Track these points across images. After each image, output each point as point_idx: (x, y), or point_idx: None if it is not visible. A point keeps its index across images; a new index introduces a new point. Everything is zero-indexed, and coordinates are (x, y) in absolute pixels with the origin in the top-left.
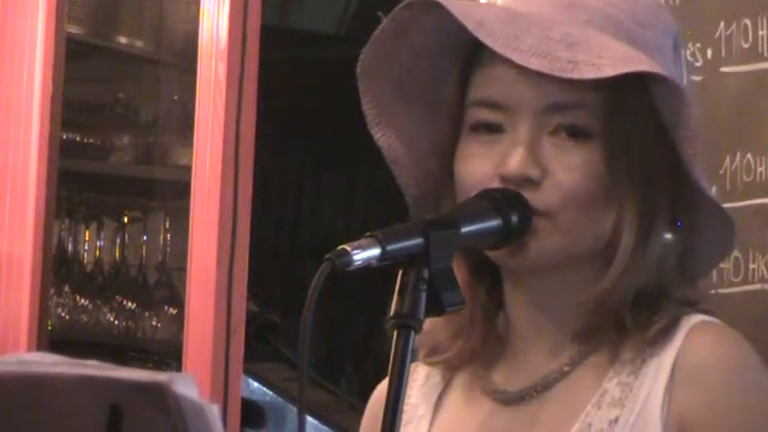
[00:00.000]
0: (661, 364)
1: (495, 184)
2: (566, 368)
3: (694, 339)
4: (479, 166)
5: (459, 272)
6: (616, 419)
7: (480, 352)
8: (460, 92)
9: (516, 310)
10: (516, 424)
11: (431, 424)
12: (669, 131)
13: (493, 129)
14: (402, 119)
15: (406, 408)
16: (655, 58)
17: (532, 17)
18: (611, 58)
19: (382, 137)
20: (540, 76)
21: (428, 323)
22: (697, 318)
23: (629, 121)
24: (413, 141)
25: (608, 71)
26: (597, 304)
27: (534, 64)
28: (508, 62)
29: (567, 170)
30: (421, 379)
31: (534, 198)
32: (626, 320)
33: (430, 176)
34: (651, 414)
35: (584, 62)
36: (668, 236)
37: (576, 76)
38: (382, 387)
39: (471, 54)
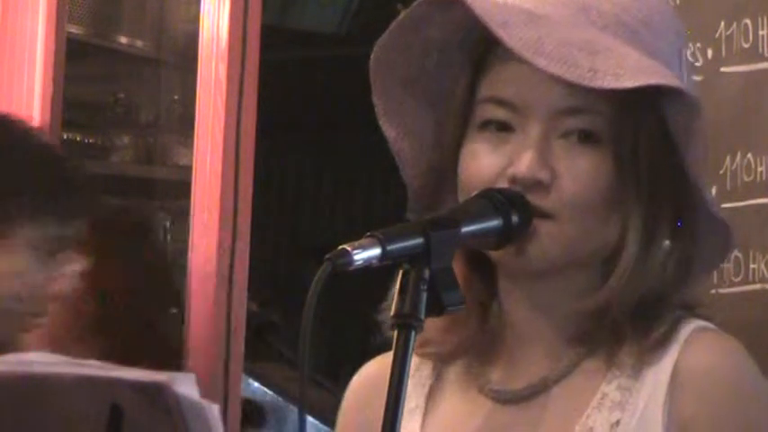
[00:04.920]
0: (660, 370)
1: (502, 183)
2: (564, 370)
3: (693, 347)
4: (487, 165)
5: (457, 265)
6: (618, 422)
7: (474, 345)
8: (471, 87)
9: (514, 310)
10: (516, 424)
11: (424, 417)
12: (678, 142)
13: (502, 127)
14: (410, 112)
15: None
16: (668, 66)
17: (551, 20)
18: (630, 69)
19: (390, 128)
20: (555, 79)
21: None
22: (695, 324)
23: (638, 127)
24: (418, 135)
25: (628, 82)
26: (599, 311)
27: (555, 69)
28: (523, 62)
29: (576, 175)
30: (410, 370)
31: (543, 201)
32: (625, 327)
33: (433, 170)
34: (652, 419)
35: (603, 71)
36: (667, 242)
37: (597, 85)
38: (367, 372)
39: (484, 50)
